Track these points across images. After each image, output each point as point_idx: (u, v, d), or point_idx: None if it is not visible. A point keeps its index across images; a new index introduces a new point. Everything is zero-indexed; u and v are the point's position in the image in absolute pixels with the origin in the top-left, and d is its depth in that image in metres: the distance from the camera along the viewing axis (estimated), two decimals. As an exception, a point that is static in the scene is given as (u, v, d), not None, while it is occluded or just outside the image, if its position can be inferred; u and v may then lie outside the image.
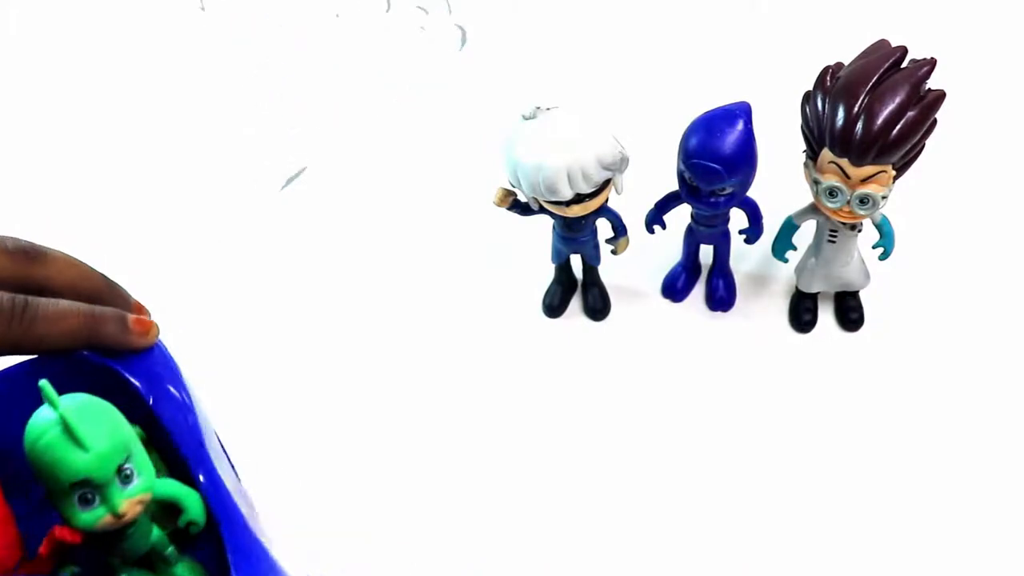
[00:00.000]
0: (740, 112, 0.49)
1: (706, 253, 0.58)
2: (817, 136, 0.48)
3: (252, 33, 0.79)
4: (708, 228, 0.55)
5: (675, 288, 0.58)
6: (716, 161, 0.48)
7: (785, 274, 0.59)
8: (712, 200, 0.51)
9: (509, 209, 0.53)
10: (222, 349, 0.58)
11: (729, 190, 0.51)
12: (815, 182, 0.49)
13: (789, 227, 0.54)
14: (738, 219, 0.54)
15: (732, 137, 0.48)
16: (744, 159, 0.49)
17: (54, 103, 0.76)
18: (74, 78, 0.78)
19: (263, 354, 0.58)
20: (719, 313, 0.58)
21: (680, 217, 0.55)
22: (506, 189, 0.52)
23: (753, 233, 0.55)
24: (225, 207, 0.67)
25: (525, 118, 0.49)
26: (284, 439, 0.54)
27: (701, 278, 0.59)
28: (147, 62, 0.79)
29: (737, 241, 0.56)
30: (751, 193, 0.52)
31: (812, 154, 0.49)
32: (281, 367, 0.57)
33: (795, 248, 0.55)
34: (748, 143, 0.49)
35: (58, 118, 0.75)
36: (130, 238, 0.65)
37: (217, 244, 0.64)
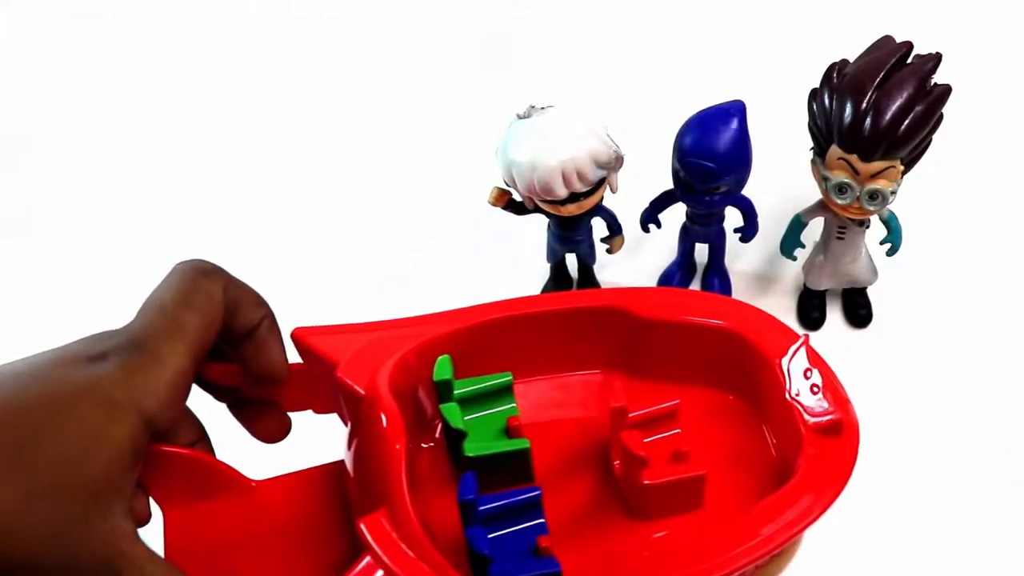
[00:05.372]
0: (734, 111, 0.49)
1: (702, 251, 0.58)
2: (825, 133, 0.48)
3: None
4: (703, 226, 0.55)
5: (671, 286, 0.58)
6: (710, 159, 0.49)
7: (787, 272, 0.59)
8: (707, 198, 0.51)
9: (504, 208, 0.53)
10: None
11: (723, 188, 0.51)
12: (824, 179, 0.49)
13: (797, 225, 0.54)
14: (734, 217, 0.54)
15: (726, 135, 0.49)
16: (738, 157, 0.49)
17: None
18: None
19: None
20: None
21: (675, 215, 0.55)
22: (501, 188, 0.52)
23: (748, 231, 0.55)
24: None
25: (520, 117, 0.49)
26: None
27: (697, 276, 0.59)
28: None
29: (736, 240, 0.56)
30: (745, 191, 0.52)
31: (820, 151, 0.49)
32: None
33: (804, 246, 0.55)
34: (742, 141, 0.49)
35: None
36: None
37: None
